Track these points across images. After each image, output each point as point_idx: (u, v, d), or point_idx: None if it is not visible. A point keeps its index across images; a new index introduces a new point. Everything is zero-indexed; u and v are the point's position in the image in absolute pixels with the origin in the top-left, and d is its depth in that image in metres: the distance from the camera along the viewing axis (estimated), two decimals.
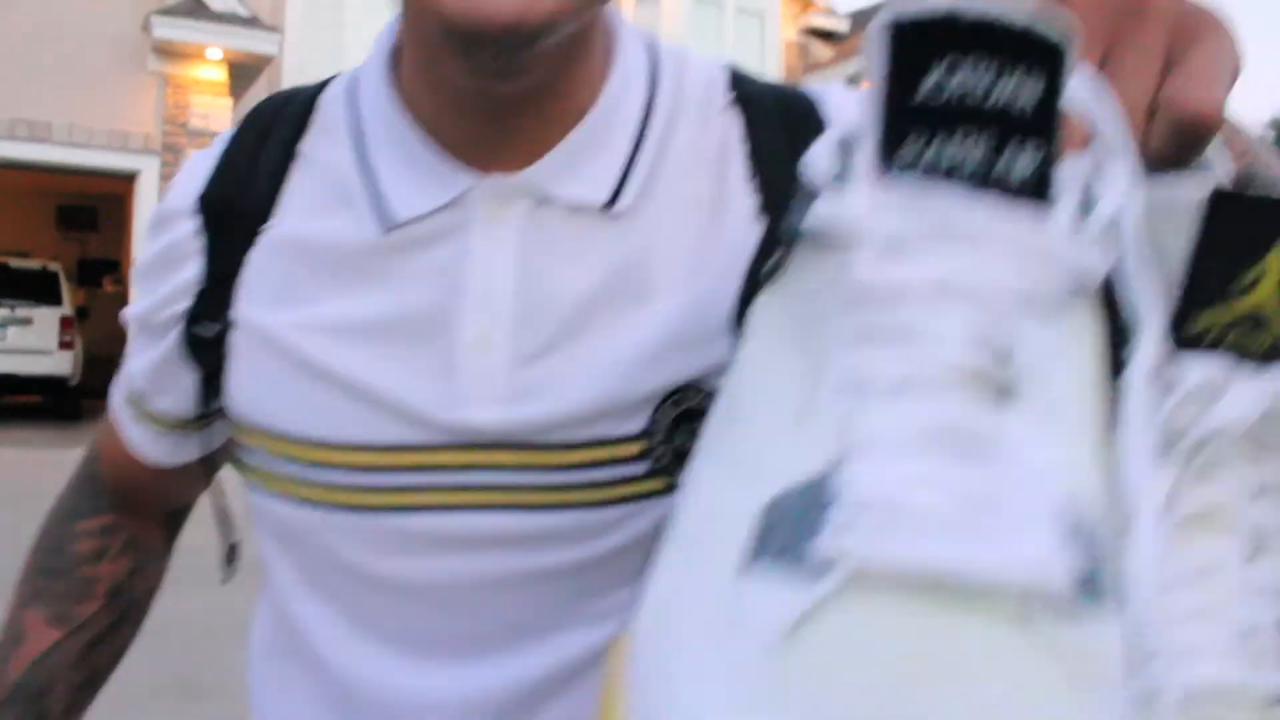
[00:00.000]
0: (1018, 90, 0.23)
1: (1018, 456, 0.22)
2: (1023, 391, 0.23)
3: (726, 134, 0.52)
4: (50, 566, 0.64)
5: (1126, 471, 0.24)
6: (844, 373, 0.24)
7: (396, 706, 0.51)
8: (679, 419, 0.48)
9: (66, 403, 10.25)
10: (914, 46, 0.23)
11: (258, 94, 10.05)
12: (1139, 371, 0.25)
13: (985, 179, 0.24)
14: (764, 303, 0.29)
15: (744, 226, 0.50)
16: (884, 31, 0.24)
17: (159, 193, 8.77)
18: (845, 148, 0.26)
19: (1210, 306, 0.27)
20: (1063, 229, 0.24)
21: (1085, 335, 0.25)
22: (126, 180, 9.42)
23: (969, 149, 0.23)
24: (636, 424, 0.48)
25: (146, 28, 8.52)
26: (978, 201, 0.24)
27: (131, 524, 0.66)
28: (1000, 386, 0.23)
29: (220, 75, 8.91)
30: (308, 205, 0.52)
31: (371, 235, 0.49)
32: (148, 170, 8.79)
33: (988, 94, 0.23)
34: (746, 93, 0.53)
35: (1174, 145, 0.30)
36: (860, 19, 13.63)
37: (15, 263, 10.40)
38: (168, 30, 8.40)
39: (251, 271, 0.52)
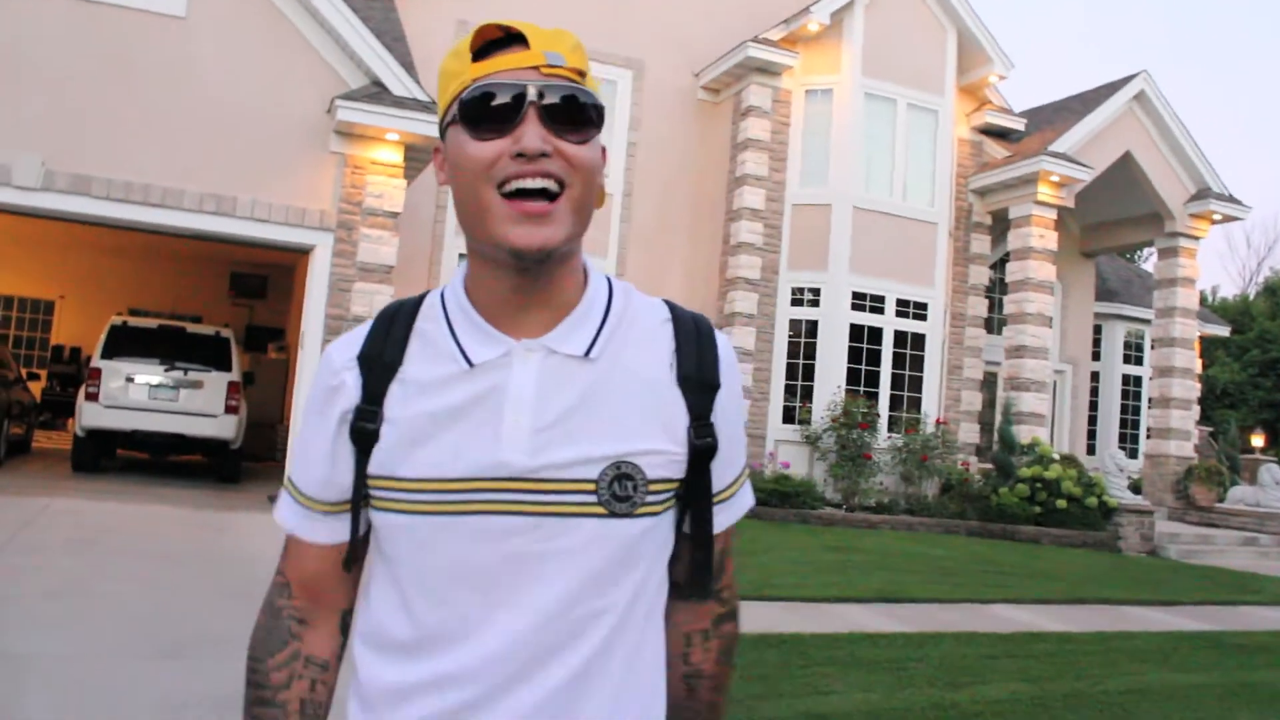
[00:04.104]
0: None
1: None
2: None
3: (663, 334, 1.04)
4: (259, 698, 1.04)
5: None
6: None
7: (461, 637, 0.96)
8: (616, 477, 0.96)
9: (227, 464, 10.58)
10: None
11: (429, 176, 10.38)
12: None
13: None
14: None
15: (665, 380, 1.01)
16: None
17: (330, 266, 9.06)
18: None
19: None
20: None
21: None
22: (300, 253, 9.80)
23: None
24: (593, 473, 0.95)
25: (331, 110, 8.93)
26: None
27: (310, 641, 1.06)
28: None
29: (396, 157, 9.24)
30: (422, 359, 1.00)
31: (461, 370, 0.98)
32: (322, 245, 9.11)
33: None
34: (677, 316, 1.06)
35: None
36: (1036, 117, 13.21)
37: (191, 327, 10.91)
38: (350, 113, 8.78)
39: (392, 395, 1.00)
